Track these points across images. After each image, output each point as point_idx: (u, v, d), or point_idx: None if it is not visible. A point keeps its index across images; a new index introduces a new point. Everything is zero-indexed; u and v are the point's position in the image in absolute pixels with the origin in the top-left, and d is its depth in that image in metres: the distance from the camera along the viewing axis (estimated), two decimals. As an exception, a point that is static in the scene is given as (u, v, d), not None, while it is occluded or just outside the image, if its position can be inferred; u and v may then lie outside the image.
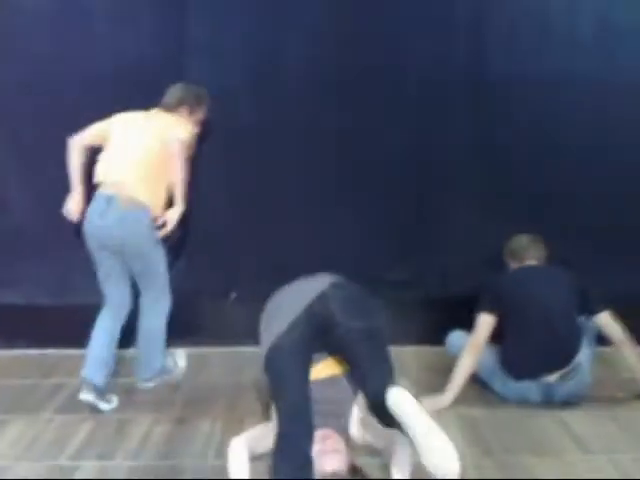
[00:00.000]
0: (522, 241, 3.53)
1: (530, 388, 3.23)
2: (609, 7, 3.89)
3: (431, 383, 3.37)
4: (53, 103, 3.82)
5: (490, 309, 3.26)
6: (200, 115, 3.52)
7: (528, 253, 3.49)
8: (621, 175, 3.95)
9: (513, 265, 3.53)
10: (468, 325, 3.34)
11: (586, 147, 3.95)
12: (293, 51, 3.86)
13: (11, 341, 3.97)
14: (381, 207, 3.96)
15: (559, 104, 3.93)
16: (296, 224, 3.90)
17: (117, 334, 3.36)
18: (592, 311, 3.30)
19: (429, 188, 4.00)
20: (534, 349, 3.20)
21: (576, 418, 3.10)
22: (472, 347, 3.24)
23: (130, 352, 3.63)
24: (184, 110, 3.44)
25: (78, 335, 3.93)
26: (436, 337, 3.84)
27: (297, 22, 3.84)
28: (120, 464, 2.72)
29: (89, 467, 2.70)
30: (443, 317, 3.82)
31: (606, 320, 3.29)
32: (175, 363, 3.65)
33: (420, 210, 4.00)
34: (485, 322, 3.25)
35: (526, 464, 2.72)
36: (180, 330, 3.71)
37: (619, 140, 3.95)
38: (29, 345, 3.98)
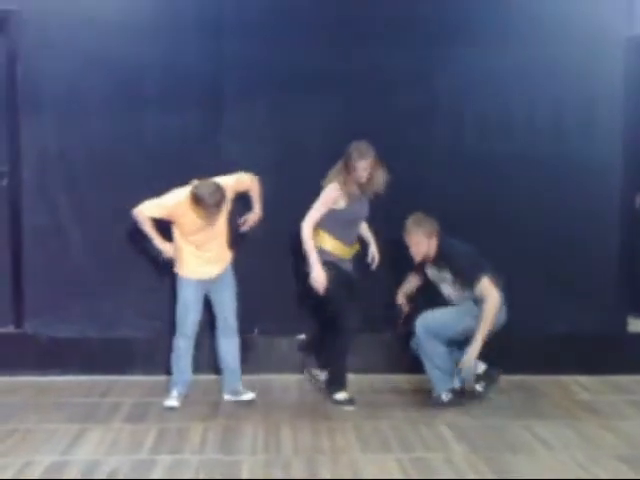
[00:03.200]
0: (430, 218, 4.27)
1: None
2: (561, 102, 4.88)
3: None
4: (110, 171, 4.64)
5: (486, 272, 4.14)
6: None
7: None
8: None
9: (437, 238, 4.24)
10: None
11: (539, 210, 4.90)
12: (310, 135, 4.75)
13: (65, 368, 4.64)
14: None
15: (519, 176, 4.87)
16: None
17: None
18: None
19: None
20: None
21: (539, 424, 3.95)
22: (497, 307, 4.12)
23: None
24: None
25: (122, 364, 4.69)
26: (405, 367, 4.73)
27: (313, 111, 4.73)
28: (190, 458, 3.44)
29: (166, 460, 3.41)
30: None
31: None
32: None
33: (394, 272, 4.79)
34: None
35: (503, 459, 3.52)
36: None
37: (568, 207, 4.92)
38: (80, 372, 4.65)
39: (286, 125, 4.76)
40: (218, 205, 4.00)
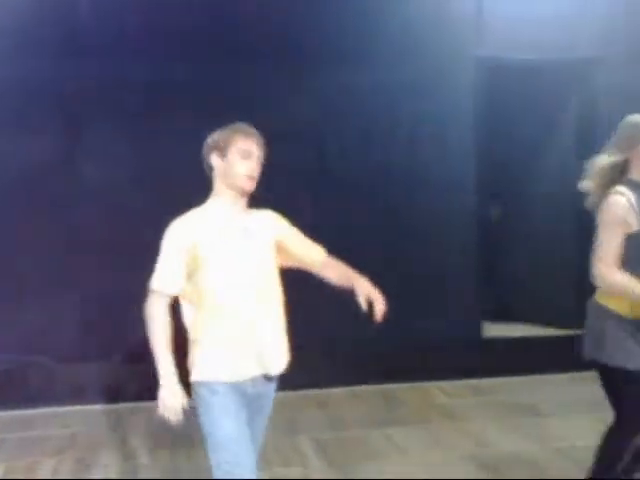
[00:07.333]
0: None
1: None
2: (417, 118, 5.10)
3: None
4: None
5: None
6: None
7: None
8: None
9: None
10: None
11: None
12: (174, 155, 4.59)
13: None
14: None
15: (376, 191, 5.03)
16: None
17: None
18: None
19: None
20: None
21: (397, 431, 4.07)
22: None
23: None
24: None
25: None
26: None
27: (175, 130, 4.63)
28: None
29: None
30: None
31: None
32: None
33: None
34: None
35: (358, 470, 3.60)
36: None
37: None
38: None
39: (148, 144, 4.68)
40: (258, 138, 2.50)
